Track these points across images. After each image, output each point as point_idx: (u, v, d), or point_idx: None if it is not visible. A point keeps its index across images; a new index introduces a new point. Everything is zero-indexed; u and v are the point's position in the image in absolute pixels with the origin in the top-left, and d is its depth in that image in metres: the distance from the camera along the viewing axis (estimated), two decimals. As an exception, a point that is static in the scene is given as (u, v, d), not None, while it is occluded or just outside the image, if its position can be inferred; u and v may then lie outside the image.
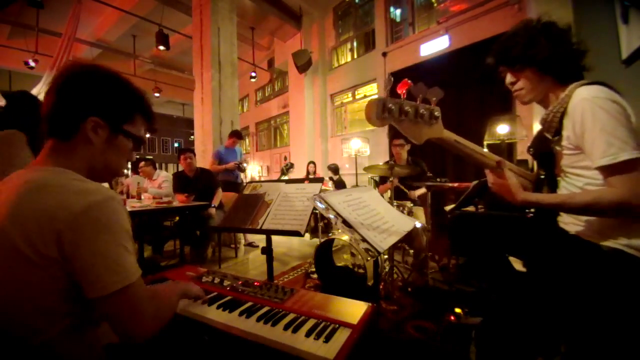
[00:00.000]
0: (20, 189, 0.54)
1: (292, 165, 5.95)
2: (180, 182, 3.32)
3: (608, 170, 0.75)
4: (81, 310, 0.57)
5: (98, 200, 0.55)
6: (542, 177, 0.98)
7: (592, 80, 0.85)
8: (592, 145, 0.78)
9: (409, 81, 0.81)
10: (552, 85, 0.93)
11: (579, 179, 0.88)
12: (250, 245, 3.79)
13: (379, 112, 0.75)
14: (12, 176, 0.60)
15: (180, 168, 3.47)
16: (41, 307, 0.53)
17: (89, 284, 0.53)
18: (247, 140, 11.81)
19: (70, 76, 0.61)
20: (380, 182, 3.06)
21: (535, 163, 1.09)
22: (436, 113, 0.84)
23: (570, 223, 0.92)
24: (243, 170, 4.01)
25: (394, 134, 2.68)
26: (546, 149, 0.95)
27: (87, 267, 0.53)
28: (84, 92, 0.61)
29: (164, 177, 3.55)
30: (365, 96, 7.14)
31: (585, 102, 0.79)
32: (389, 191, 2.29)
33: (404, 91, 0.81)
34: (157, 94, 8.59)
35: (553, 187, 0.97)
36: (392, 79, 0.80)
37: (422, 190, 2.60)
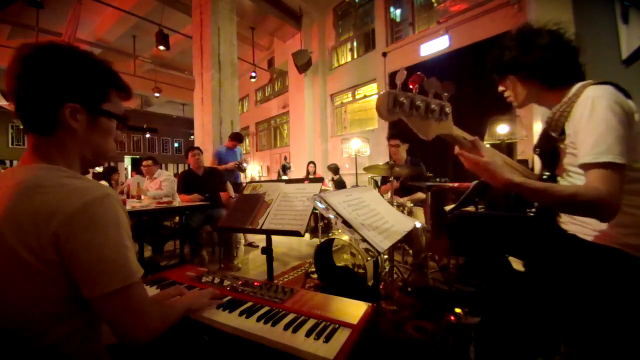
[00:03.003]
0: (14, 190, 0.52)
1: (289, 167, 5.96)
2: (190, 181, 3.23)
3: (588, 169, 0.75)
4: (85, 312, 0.56)
5: (93, 198, 0.53)
6: (545, 177, 0.98)
7: (604, 80, 0.84)
8: (581, 142, 0.78)
9: (422, 75, 0.78)
10: (542, 88, 0.94)
11: (581, 178, 0.87)
12: (250, 245, 3.79)
13: (390, 106, 0.72)
14: (5, 175, 0.58)
15: (181, 168, 3.47)
16: (44, 310, 0.52)
17: (88, 283, 0.52)
18: (247, 140, 11.81)
19: (32, 61, 0.55)
20: (382, 183, 3.05)
21: (535, 163, 1.09)
22: (447, 109, 0.81)
23: (569, 222, 0.92)
24: (243, 170, 4.02)
25: (390, 135, 2.66)
26: (551, 148, 0.95)
27: (85, 267, 0.51)
28: (52, 77, 0.55)
29: (165, 176, 3.53)
30: (365, 96, 7.14)
31: (588, 101, 0.80)
32: (389, 192, 2.29)
33: (416, 85, 0.77)
34: (157, 94, 8.59)
35: None
36: (406, 71, 0.78)
37: (421, 196, 2.59)
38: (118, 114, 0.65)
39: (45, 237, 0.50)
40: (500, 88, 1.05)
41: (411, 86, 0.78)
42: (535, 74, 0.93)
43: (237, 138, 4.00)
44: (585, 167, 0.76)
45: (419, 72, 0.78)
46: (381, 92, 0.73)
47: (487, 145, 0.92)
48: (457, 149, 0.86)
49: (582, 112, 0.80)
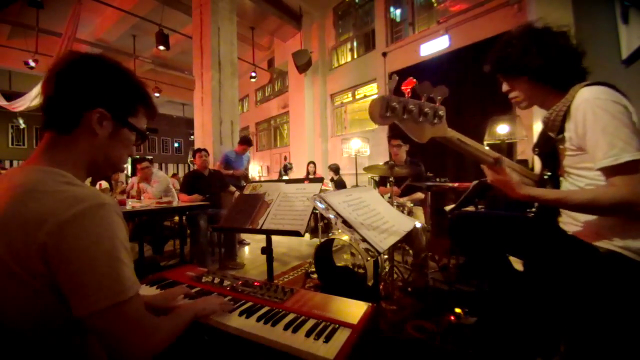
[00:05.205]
0: (8, 195, 0.50)
1: (290, 167, 5.96)
2: (195, 181, 3.23)
3: (610, 171, 0.75)
4: (78, 323, 0.53)
5: (87, 208, 0.50)
6: (546, 177, 0.98)
7: (596, 81, 0.85)
8: (594, 146, 0.77)
9: (414, 79, 0.81)
10: (549, 91, 0.93)
11: (581, 180, 0.88)
12: (241, 243, 3.78)
13: (382, 111, 0.74)
14: (5, 176, 0.57)
15: (181, 168, 3.46)
16: (36, 321, 0.51)
17: (77, 299, 0.49)
18: (247, 140, 11.80)
19: (73, 65, 0.58)
20: (379, 184, 3.05)
21: (535, 162, 1.09)
22: (440, 112, 0.83)
23: (569, 223, 0.92)
24: (249, 181, 4.08)
25: (391, 135, 2.67)
26: (550, 148, 0.95)
27: (74, 281, 0.48)
28: (89, 81, 0.58)
29: (160, 177, 3.46)
30: (365, 96, 7.14)
31: (587, 103, 0.79)
32: (387, 194, 2.29)
33: (409, 89, 0.80)
34: (157, 94, 8.58)
35: (556, 187, 0.97)
36: (397, 77, 0.80)
37: (419, 196, 2.59)
38: (140, 129, 0.67)
39: (33, 246, 0.47)
40: (505, 88, 1.02)
41: (404, 90, 0.81)
42: (551, 76, 0.91)
43: (247, 142, 4.02)
44: (606, 170, 0.76)
45: (411, 77, 0.80)
46: (374, 97, 0.76)
47: (511, 162, 0.95)
48: (482, 166, 0.94)
49: (583, 115, 0.79)
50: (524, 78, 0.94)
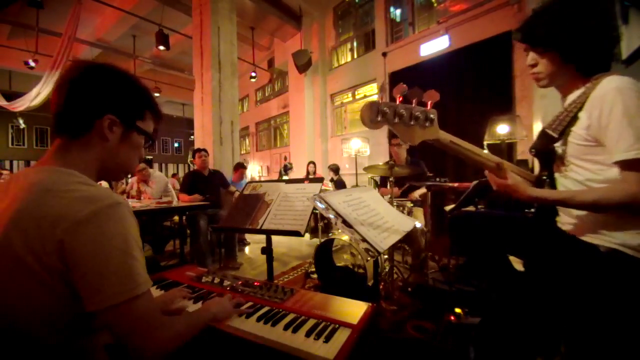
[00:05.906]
0: (25, 193, 0.52)
1: (290, 167, 5.95)
2: (196, 180, 3.24)
3: (627, 165, 0.73)
4: (85, 320, 0.55)
5: (102, 207, 0.52)
6: (545, 177, 0.98)
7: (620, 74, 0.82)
8: (617, 137, 0.74)
9: (404, 85, 0.83)
10: (572, 74, 0.89)
11: (581, 172, 0.86)
12: (241, 243, 3.78)
13: (373, 116, 0.77)
14: (19, 176, 0.58)
15: (181, 168, 3.45)
16: (42, 317, 0.51)
17: (91, 294, 0.50)
18: (247, 140, 11.82)
19: (85, 73, 0.61)
20: (380, 184, 3.05)
21: (535, 163, 1.09)
22: (431, 115, 0.85)
23: (567, 223, 0.92)
24: None
25: (392, 134, 2.69)
26: (547, 149, 0.94)
27: (89, 277, 0.50)
28: (100, 89, 0.61)
29: (157, 178, 3.45)
30: (365, 96, 7.14)
31: (617, 91, 0.76)
32: (388, 195, 2.29)
33: (399, 95, 0.83)
34: (157, 94, 8.58)
35: (555, 187, 0.96)
36: (387, 87, 0.81)
37: (423, 191, 2.60)
38: (148, 132, 0.70)
39: (50, 243, 0.49)
40: (531, 61, 0.94)
41: (395, 96, 0.83)
42: (582, 58, 0.85)
43: (240, 165, 4.12)
44: (623, 164, 0.74)
45: (401, 83, 0.83)
46: (366, 102, 0.79)
47: (509, 164, 0.93)
48: (486, 172, 0.93)
49: (612, 103, 0.75)
50: (555, 54, 0.87)
